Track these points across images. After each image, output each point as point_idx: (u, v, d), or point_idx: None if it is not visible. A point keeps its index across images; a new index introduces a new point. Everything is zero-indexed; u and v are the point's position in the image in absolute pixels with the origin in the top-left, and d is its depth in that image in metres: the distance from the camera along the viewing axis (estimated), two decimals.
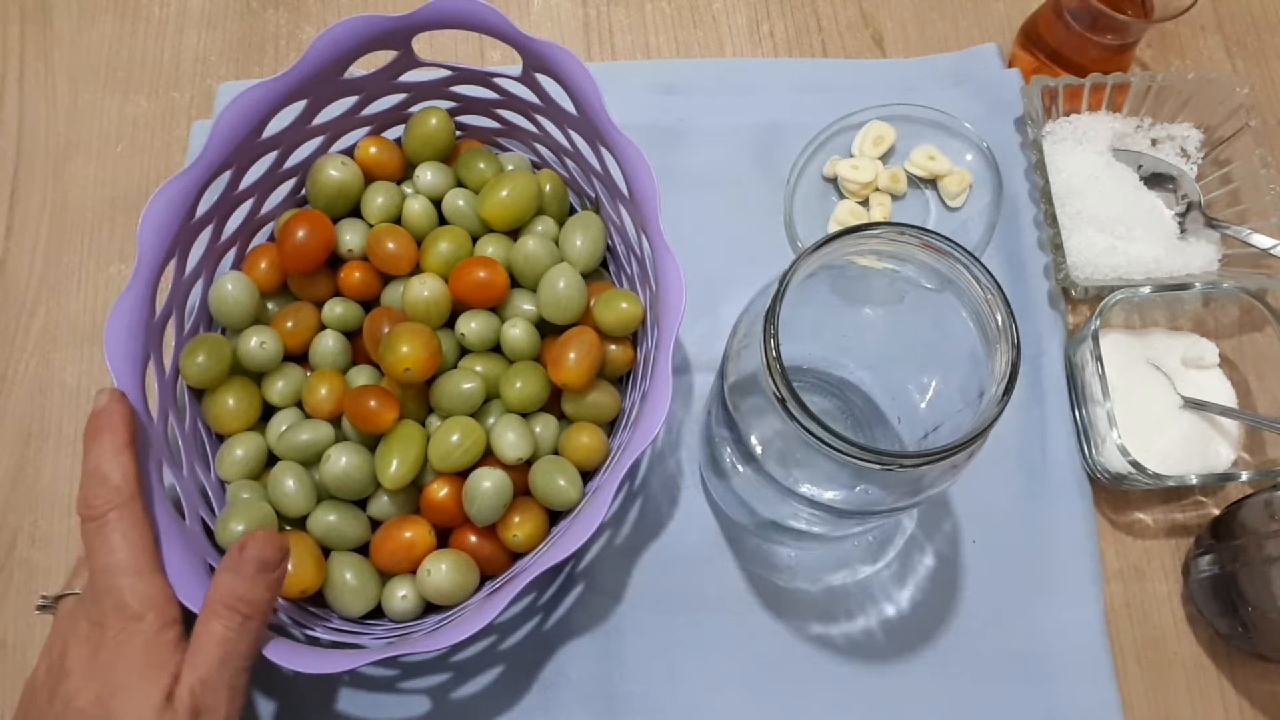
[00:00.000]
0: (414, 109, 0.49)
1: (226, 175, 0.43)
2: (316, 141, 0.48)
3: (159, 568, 0.35)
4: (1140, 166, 0.56)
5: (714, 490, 0.49)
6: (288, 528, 0.43)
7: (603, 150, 0.44)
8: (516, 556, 0.44)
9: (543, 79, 0.45)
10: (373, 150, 0.47)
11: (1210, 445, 0.50)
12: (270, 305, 0.47)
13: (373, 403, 0.42)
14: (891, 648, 0.47)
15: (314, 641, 0.41)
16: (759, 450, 0.38)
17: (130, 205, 0.57)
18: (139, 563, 0.34)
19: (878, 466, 0.32)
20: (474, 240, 0.47)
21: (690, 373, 0.53)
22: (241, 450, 0.43)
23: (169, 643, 0.34)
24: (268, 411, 0.45)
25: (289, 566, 0.37)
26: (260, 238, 0.49)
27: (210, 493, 0.43)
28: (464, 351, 0.46)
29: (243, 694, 0.34)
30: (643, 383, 0.43)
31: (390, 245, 0.45)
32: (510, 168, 0.49)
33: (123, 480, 0.35)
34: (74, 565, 0.39)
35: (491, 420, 0.44)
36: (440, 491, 0.43)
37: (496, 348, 0.46)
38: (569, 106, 0.44)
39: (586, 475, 0.44)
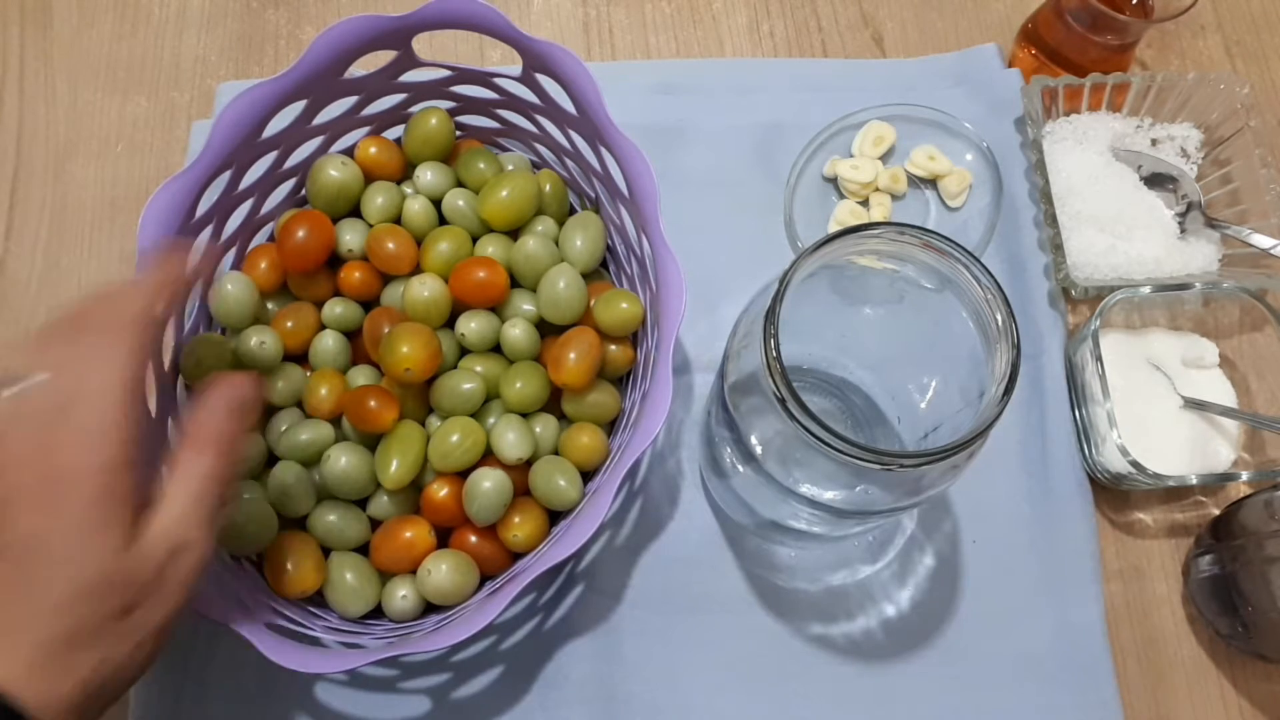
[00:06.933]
0: (414, 109, 0.49)
1: (226, 175, 0.43)
2: (316, 141, 0.48)
3: (131, 401, 0.31)
4: (1140, 166, 0.56)
5: (714, 490, 0.49)
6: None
7: (603, 150, 0.44)
8: (516, 556, 0.44)
9: (543, 79, 0.45)
10: (373, 150, 0.47)
11: (1210, 445, 0.50)
12: (270, 305, 0.47)
13: (373, 403, 0.42)
14: (891, 648, 0.47)
15: (314, 641, 0.41)
16: (759, 450, 0.38)
17: (130, 205, 0.57)
18: (118, 393, 0.30)
19: (878, 466, 0.32)
20: (474, 240, 0.47)
21: (690, 373, 0.53)
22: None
23: (129, 482, 0.30)
24: (268, 411, 0.45)
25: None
26: (260, 238, 0.49)
27: None
28: (464, 351, 0.46)
29: (213, 535, 0.32)
30: (643, 383, 0.43)
31: (390, 245, 0.45)
32: (510, 168, 0.49)
33: (132, 318, 0.32)
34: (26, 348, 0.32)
35: (491, 420, 0.44)
36: (440, 491, 0.43)
37: (496, 348, 0.46)
38: (569, 106, 0.44)
39: (586, 475, 0.44)
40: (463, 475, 0.42)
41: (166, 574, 0.31)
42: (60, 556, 0.29)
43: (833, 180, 0.57)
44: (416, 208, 0.47)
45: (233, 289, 0.44)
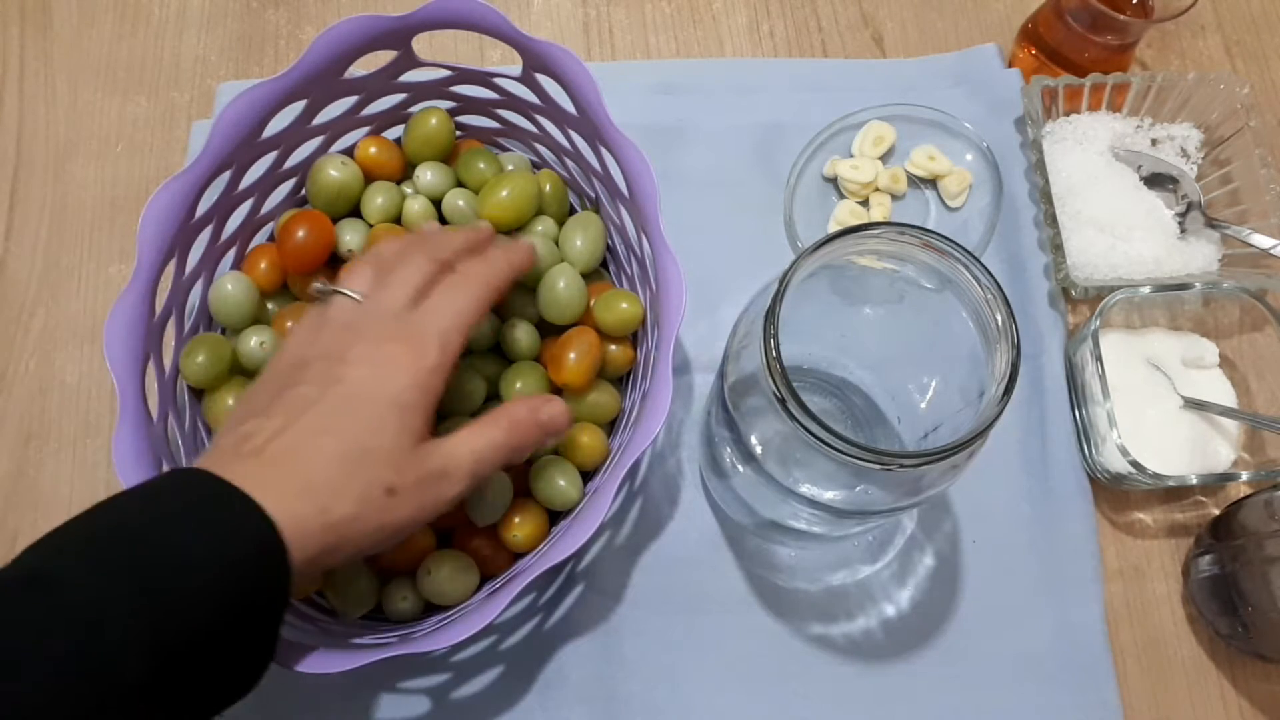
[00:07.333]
0: (414, 109, 0.49)
1: (226, 175, 0.43)
2: (316, 141, 0.48)
3: (463, 343, 0.36)
4: (1140, 166, 0.56)
5: (714, 490, 0.49)
6: None
7: (603, 150, 0.44)
8: (517, 557, 0.44)
9: (543, 79, 0.45)
10: (373, 150, 0.47)
11: (1210, 445, 0.50)
12: (270, 305, 0.47)
13: None
14: (891, 648, 0.47)
15: (314, 642, 0.41)
16: (759, 450, 0.38)
17: (130, 205, 0.57)
18: (461, 322, 0.36)
19: (878, 466, 0.32)
20: None
21: (690, 373, 0.53)
22: None
23: (439, 392, 0.35)
24: None
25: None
26: (260, 238, 0.49)
27: None
28: (465, 351, 0.46)
29: (470, 490, 0.35)
30: (643, 383, 0.43)
31: None
32: (510, 168, 0.49)
33: (493, 280, 0.38)
34: (353, 266, 0.38)
35: None
36: None
37: (496, 347, 0.46)
38: (569, 106, 0.44)
39: (586, 475, 0.44)
40: None
41: (428, 486, 0.33)
42: (373, 415, 0.33)
43: (833, 180, 0.57)
44: (416, 208, 0.47)
45: (233, 289, 0.44)
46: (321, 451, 0.31)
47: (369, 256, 0.39)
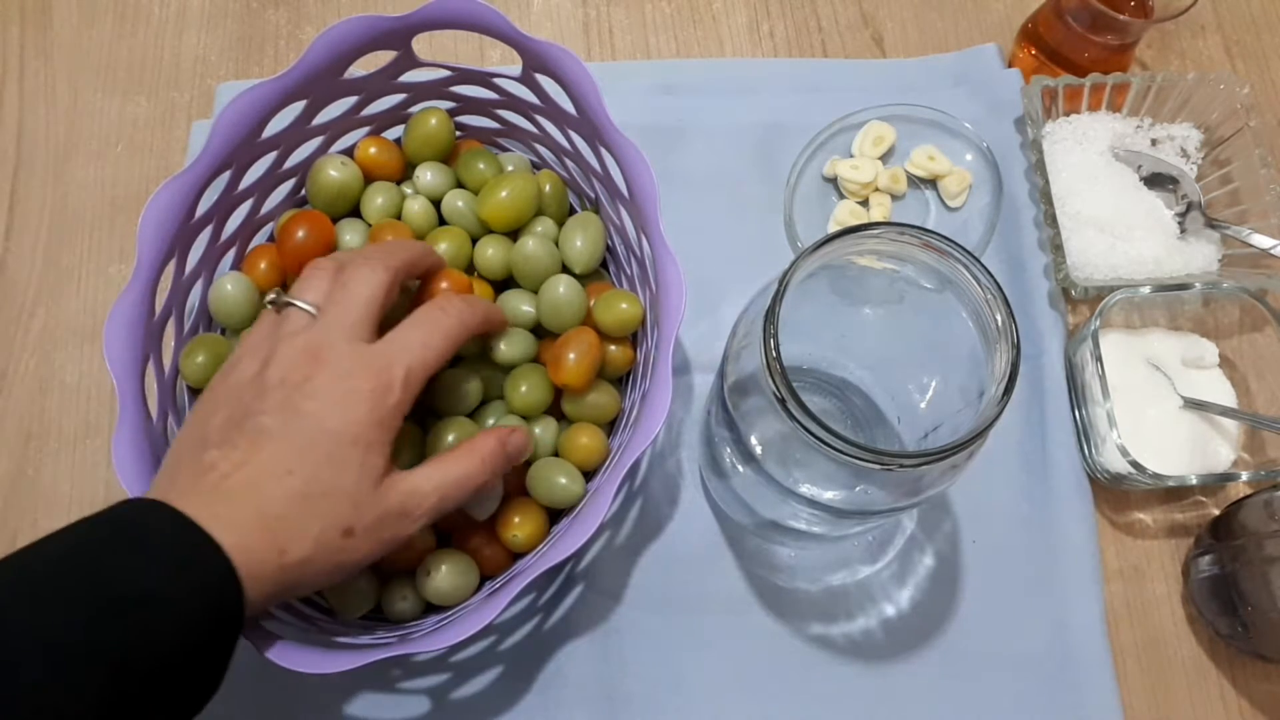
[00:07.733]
0: (414, 109, 0.49)
1: (226, 175, 0.43)
2: (316, 141, 0.48)
3: (427, 379, 0.36)
4: (1140, 166, 0.56)
5: (714, 490, 0.49)
6: None
7: (603, 150, 0.44)
8: (517, 557, 0.44)
9: (543, 79, 0.45)
10: (373, 150, 0.47)
11: (1210, 445, 0.50)
12: None
13: None
14: (891, 648, 0.47)
15: (313, 642, 0.41)
16: (759, 450, 0.38)
17: (130, 205, 0.57)
18: (429, 358, 0.36)
19: (878, 466, 0.32)
20: (474, 241, 0.47)
21: (690, 373, 0.53)
22: None
23: (397, 428, 0.34)
24: None
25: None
26: (260, 238, 0.49)
27: None
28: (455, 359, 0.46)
29: (426, 525, 0.36)
30: (643, 383, 0.43)
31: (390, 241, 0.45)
32: (510, 168, 0.49)
33: (470, 320, 0.38)
34: (306, 276, 0.37)
35: (491, 421, 0.44)
36: None
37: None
38: (569, 107, 0.44)
39: (586, 476, 0.44)
40: None
41: (386, 526, 0.33)
42: (334, 454, 0.32)
43: (833, 180, 0.57)
44: (416, 208, 0.47)
45: (232, 289, 0.44)
46: (282, 490, 0.31)
47: (325, 263, 0.38)
